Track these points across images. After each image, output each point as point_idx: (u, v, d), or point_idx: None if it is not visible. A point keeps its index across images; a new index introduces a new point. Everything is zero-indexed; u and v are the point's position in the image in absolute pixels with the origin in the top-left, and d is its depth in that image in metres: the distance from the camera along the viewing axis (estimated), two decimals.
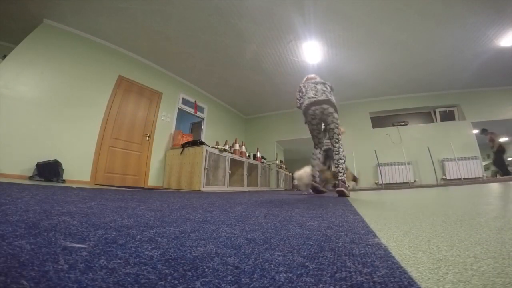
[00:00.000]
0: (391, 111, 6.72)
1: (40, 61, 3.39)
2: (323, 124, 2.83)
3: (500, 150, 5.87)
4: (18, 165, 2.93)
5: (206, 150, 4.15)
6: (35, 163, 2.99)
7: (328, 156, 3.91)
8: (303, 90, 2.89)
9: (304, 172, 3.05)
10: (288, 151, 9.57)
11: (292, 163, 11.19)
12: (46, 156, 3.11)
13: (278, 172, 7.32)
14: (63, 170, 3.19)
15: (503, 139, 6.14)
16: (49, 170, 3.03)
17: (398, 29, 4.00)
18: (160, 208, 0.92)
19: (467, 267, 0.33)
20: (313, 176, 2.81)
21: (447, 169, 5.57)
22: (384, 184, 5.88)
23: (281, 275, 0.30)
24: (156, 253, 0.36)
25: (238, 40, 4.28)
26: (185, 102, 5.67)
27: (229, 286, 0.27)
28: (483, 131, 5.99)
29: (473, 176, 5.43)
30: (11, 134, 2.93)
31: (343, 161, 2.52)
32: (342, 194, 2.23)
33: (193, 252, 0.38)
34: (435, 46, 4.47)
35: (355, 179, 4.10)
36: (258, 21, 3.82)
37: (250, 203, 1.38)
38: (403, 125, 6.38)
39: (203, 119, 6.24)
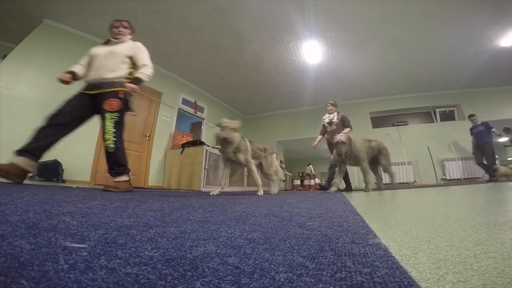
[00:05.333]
0: (391, 111, 6.72)
1: (40, 61, 3.39)
2: None
3: None
4: None
5: (206, 150, 4.15)
6: None
7: None
8: None
9: None
10: (288, 151, 9.56)
11: (292, 163, 11.19)
12: (46, 156, 3.11)
13: None
14: (63, 170, 3.19)
15: (503, 139, 6.07)
16: (49, 170, 3.02)
17: (398, 29, 4.00)
18: (160, 208, 0.92)
19: (467, 267, 0.33)
20: None
21: (447, 169, 5.57)
22: (384, 184, 5.87)
23: (281, 275, 0.30)
24: (156, 253, 0.36)
25: (238, 40, 4.28)
26: (185, 102, 5.66)
27: (229, 286, 0.27)
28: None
29: (473, 176, 5.43)
30: (11, 134, 2.93)
31: None
32: None
33: (193, 252, 0.38)
34: (435, 46, 4.47)
35: None
36: (258, 21, 3.82)
37: (250, 203, 1.38)
38: (403, 125, 6.38)
39: (203, 119, 6.24)
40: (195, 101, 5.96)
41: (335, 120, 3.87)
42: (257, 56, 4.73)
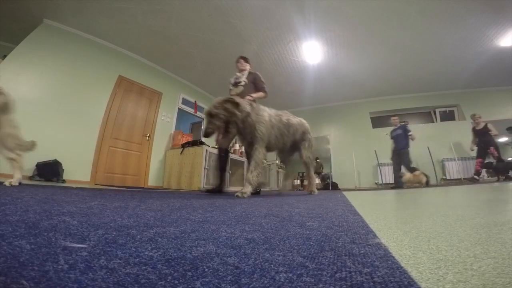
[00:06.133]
0: (391, 111, 6.72)
1: (40, 61, 3.39)
2: None
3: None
4: None
5: (206, 150, 4.15)
6: (35, 163, 2.99)
7: None
8: None
9: None
10: None
11: (292, 163, 11.17)
12: (46, 156, 3.11)
13: (278, 172, 7.31)
14: (63, 170, 3.19)
15: (503, 139, 6.06)
16: (49, 170, 3.03)
17: (398, 29, 4.00)
18: (160, 208, 0.92)
19: (467, 267, 0.33)
20: None
21: (447, 169, 5.57)
22: (384, 184, 5.87)
23: (281, 275, 0.30)
24: (156, 253, 0.36)
25: (238, 40, 4.28)
26: (185, 102, 5.67)
27: (229, 286, 0.27)
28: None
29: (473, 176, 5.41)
30: None
31: None
32: None
33: (193, 252, 0.38)
34: (435, 46, 4.47)
35: None
36: (258, 21, 3.82)
37: (250, 203, 1.38)
38: (403, 125, 6.37)
39: (203, 119, 6.23)
40: (195, 101, 5.97)
41: (243, 79, 2.75)
42: (257, 56, 4.73)
